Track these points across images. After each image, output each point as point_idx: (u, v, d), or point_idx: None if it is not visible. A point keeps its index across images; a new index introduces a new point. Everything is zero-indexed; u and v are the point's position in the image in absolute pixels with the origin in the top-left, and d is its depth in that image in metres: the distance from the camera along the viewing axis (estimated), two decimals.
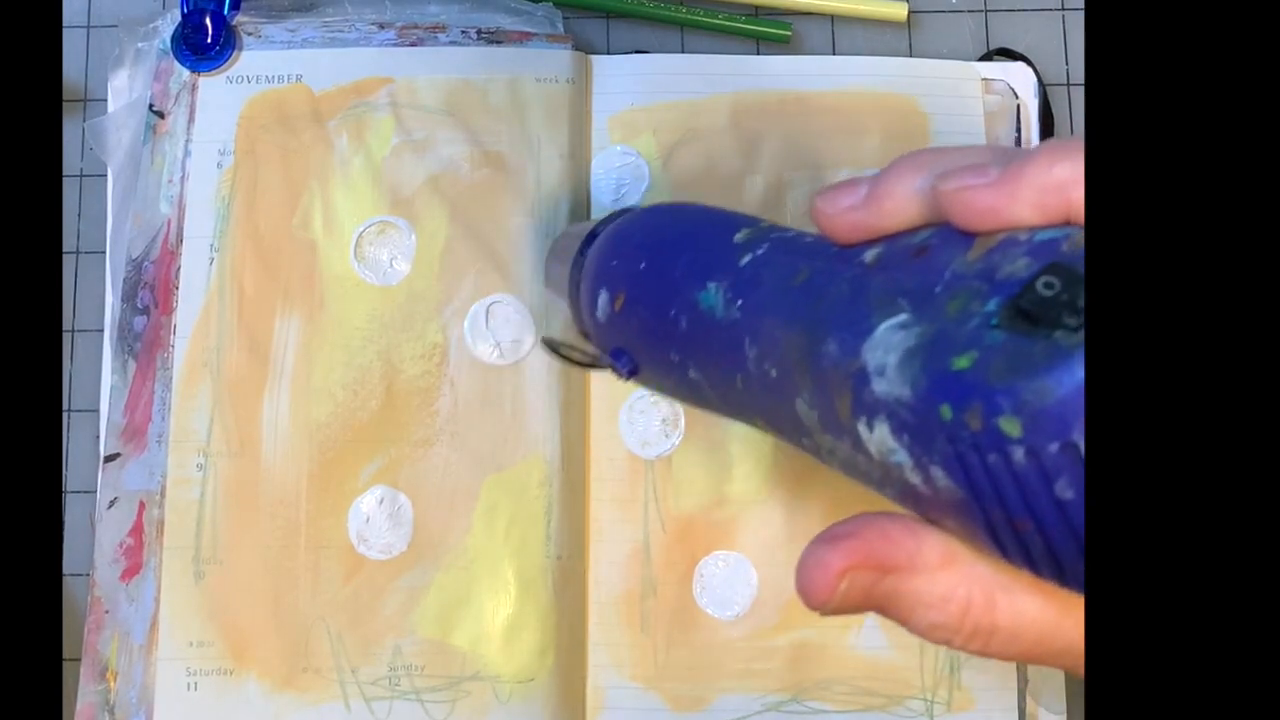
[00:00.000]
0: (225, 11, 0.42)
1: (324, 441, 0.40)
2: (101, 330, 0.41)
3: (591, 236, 0.30)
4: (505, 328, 0.40)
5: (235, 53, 0.42)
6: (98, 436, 0.41)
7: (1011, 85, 0.43)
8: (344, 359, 0.40)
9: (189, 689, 0.38)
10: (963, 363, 0.17)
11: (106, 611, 0.39)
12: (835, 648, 0.39)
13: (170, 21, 0.42)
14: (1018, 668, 0.38)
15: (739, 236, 0.25)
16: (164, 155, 0.41)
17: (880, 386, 0.19)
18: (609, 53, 0.44)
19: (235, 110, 0.42)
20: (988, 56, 0.44)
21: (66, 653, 0.40)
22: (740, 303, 0.23)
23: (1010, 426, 0.17)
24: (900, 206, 0.21)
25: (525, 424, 0.40)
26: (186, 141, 0.41)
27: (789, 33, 0.44)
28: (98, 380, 0.41)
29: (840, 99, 0.42)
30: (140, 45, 0.42)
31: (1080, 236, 0.18)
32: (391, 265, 0.41)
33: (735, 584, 0.39)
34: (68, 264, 0.43)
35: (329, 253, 0.41)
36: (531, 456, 0.39)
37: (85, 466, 0.41)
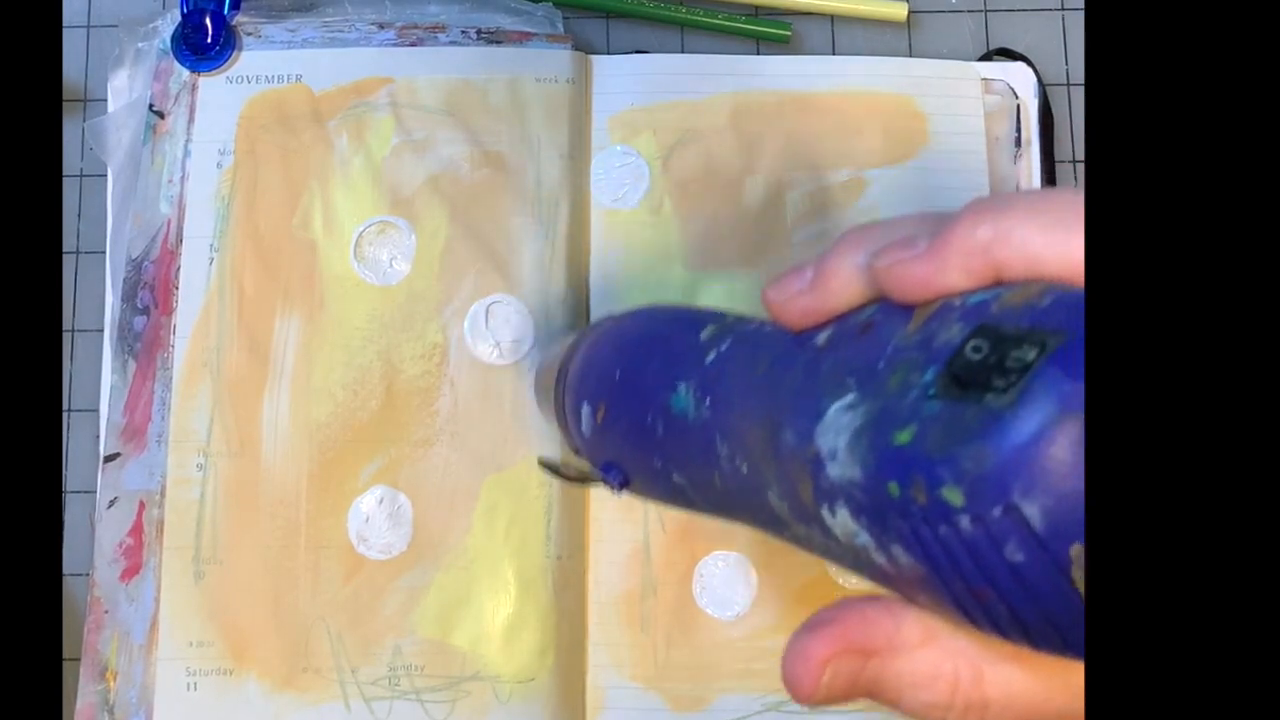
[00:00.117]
0: (225, 11, 0.42)
1: (324, 441, 0.40)
2: (101, 330, 0.41)
3: (573, 348, 0.30)
4: (505, 328, 0.40)
5: (235, 53, 0.42)
6: (98, 436, 0.41)
7: (1011, 85, 0.43)
8: (344, 359, 0.40)
9: (189, 689, 0.38)
10: (904, 437, 0.17)
11: (106, 611, 0.39)
12: None
13: (170, 21, 0.42)
14: None
15: (704, 334, 0.25)
16: (164, 155, 0.41)
17: (834, 470, 0.18)
18: (609, 53, 0.44)
19: (235, 110, 0.42)
20: (988, 56, 0.44)
21: (66, 653, 0.40)
22: (709, 401, 0.23)
23: (953, 496, 0.16)
24: (845, 285, 0.21)
25: (525, 424, 0.40)
26: (186, 141, 0.41)
27: (789, 33, 0.44)
28: (98, 380, 0.41)
29: (840, 99, 0.42)
30: (140, 45, 0.42)
31: (1009, 295, 0.18)
32: (391, 265, 0.41)
33: (735, 584, 0.39)
34: (68, 264, 0.43)
35: (329, 253, 0.41)
36: (531, 456, 0.39)
37: (85, 466, 0.41)
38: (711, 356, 0.24)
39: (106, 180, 0.42)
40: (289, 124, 0.42)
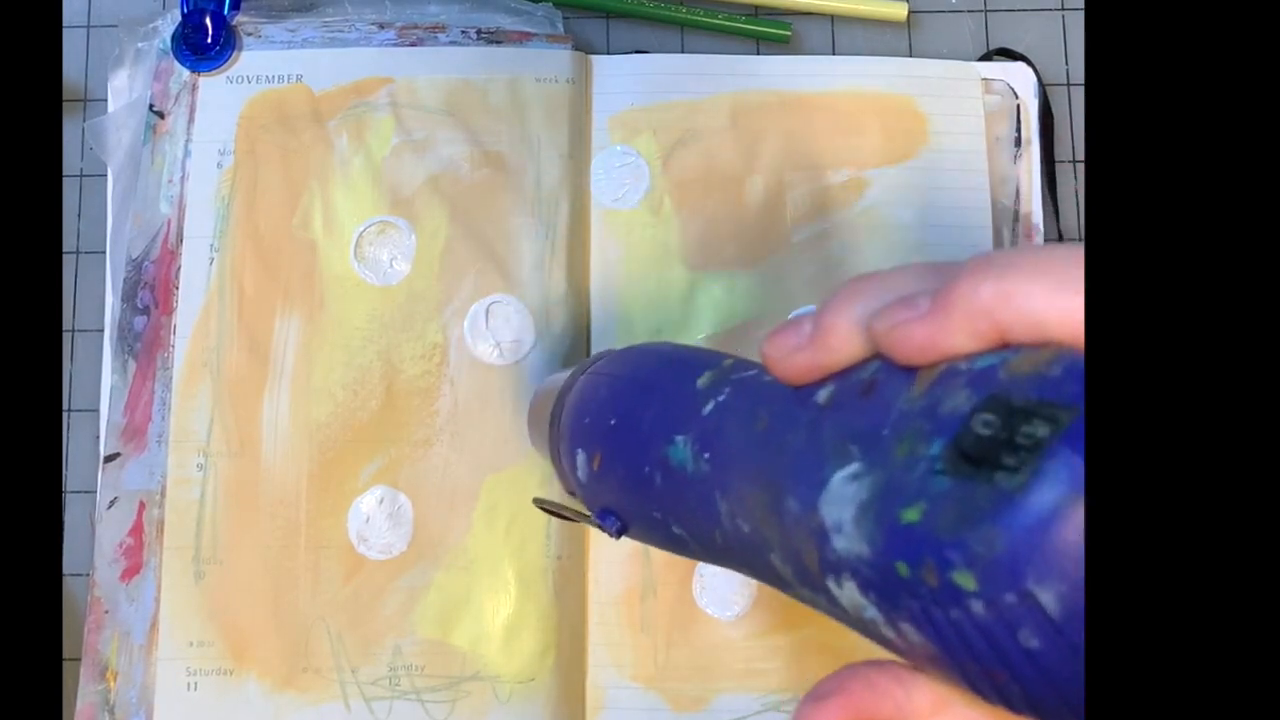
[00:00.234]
0: (225, 11, 0.42)
1: (324, 441, 0.40)
2: (101, 330, 0.41)
3: (565, 391, 0.30)
4: (505, 328, 0.40)
5: (235, 53, 0.42)
6: (98, 436, 0.41)
7: (1011, 85, 0.43)
8: (344, 359, 0.40)
9: (189, 689, 0.38)
10: (912, 515, 0.17)
11: (106, 611, 0.39)
12: (835, 648, 0.39)
13: (170, 21, 0.42)
14: None
15: (701, 381, 0.24)
16: (164, 155, 0.41)
17: (840, 544, 0.18)
18: (609, 53, 0.44)
19: (235, 110, 0.42)
20: (988, 56, 0.44)
21: (66, 653, 0.40)
22: (708, 455, 0.23)
23: (965, 580, 0.16)
24: (844, 342, 0.20)
25: (525, 424, 0.39)
26: (186, 141, 0.41)
27: (789, 33, 0.44)
28: (98, 380, 0.41)
29: (840, 99, 0.42)
30: (140, 45, 0.42)
31: (1017, 361, 0.17)
32: (391, 265, 0.41)
33: (735, 584, 0.39)
34: (68, 264, 0.43)
35: (329, 253, 0.41)
36: (531, 456, 0.39)
37: (85, 466, 0.41)
38: (709, 407, 0.23)
39: (106, 180, 0.42)
40: (289, 124, 0.42)
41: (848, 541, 0.18)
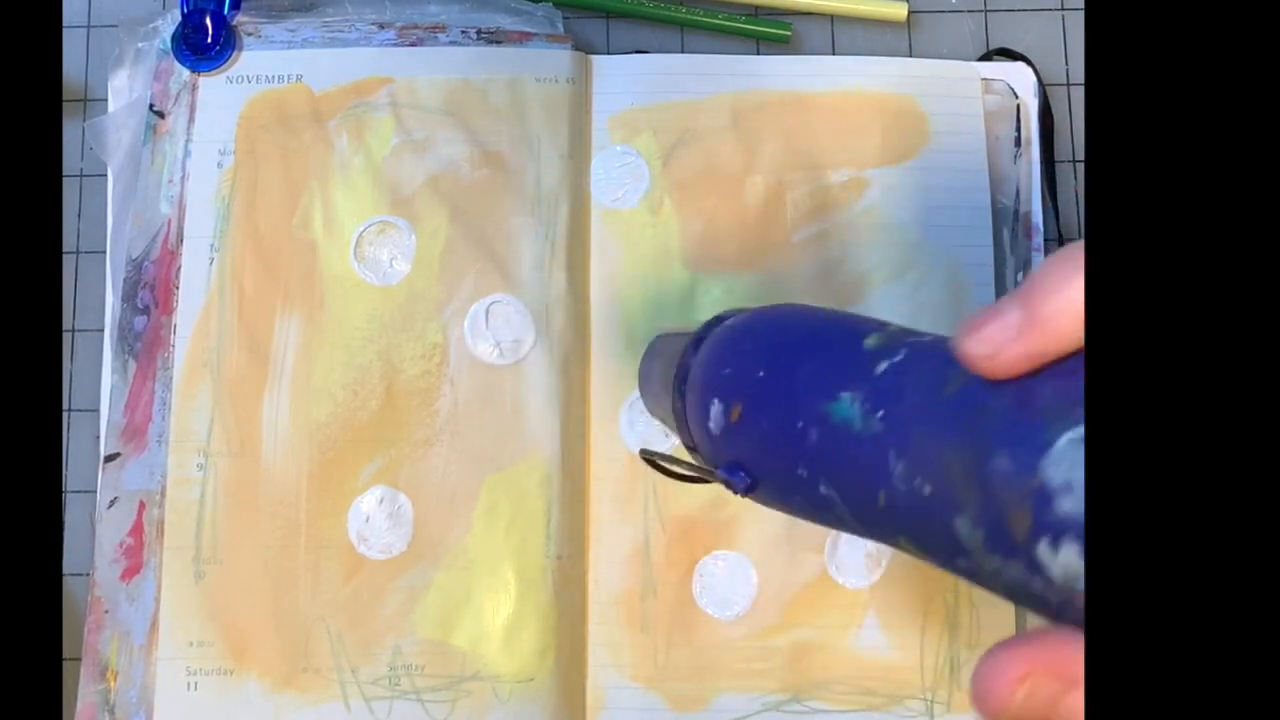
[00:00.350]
0: (225, 11, 0.42)
1: (324, 441, 0.40)
2: (101, 330, 0.41)
3: (697, 341, 0.29)
4: (505, 328, 0.40)
5: (235, 53, 0.42)
6: (98, 436, 0.41)
7: (1011, 85, 0.43)
8: (344, 359, 0.40)
9: (189, 689, 0.38)
10: None
11: (106, 611, 0.39)
12: (835, 647, 0.39)
13: (170, 21, 0.42)
14: None
15: (869, 342, 0.24)
16: (164, 155, 0.41)
17: (1066, 505, 0.18)
18: (609, 53, 0.44)
19: (235, 110, 0.42)
20: (988, 56, 0.44)
21: (66, 653, 0.40)
22: (881, 414, 0.22)
23: None
24: (1073, 323, 0.19)
25: (525, 424, 0.40)
26: (186, 141, 0.42)
27: (789, 33, 0.44)
28: (98, 380, 0.41)
29: (840, 99, 0.42)
30: (140, 45, 0.42)
31: None
32: (391, 265, 0.41)
33: (735, 584, 0.39)
34: (68, 264, 0.43)
35: (329, 253, 0.41)
36: (531, 456, 0.39)
37: (85, 466, 0.41)
38: (883, 367, 0.23)
39: (106, 180, 0.42)
40: (289, 124, 0.42)
41: (1076, 503, 0.17)
